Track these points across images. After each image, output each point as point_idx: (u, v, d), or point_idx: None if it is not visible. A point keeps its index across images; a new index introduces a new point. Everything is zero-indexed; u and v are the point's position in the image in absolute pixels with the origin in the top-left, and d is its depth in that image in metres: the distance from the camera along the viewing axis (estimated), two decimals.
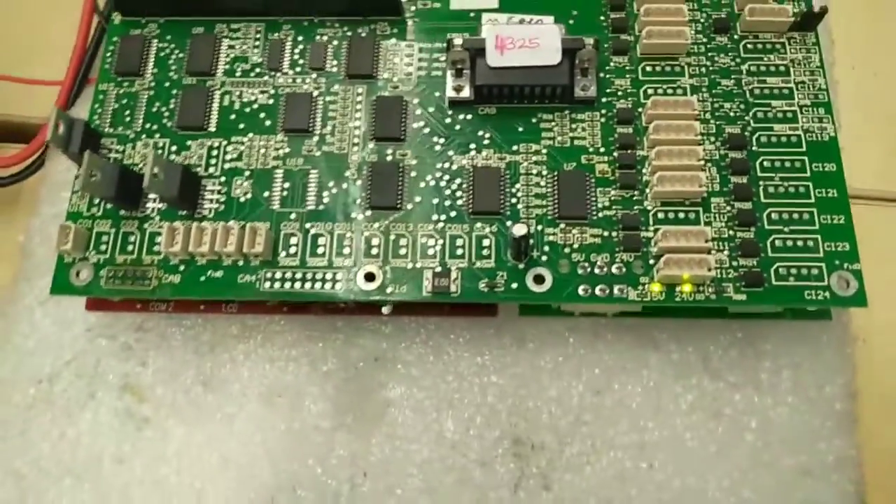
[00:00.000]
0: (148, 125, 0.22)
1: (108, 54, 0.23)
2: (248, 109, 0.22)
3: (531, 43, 0.21)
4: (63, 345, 0.23)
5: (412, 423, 0.21)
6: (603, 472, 0.21)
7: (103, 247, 0.21)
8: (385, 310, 0.20)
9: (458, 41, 0.21)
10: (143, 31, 0.24)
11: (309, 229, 0.21)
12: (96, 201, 0.22)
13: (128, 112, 0.23)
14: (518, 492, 0.21)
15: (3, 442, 0.22)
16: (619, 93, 0.22)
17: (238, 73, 0.23)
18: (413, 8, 0.23)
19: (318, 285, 0.20)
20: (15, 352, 0.23)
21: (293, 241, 0.21)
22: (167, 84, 0.23)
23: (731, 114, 0.22)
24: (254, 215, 0.21)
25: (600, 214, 0.21)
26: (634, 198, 0.21)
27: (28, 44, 0.28)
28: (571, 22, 0.23)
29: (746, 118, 0.22)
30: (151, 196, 0.21)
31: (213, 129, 0.22)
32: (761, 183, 0.21)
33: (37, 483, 0.21)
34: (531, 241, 0.20)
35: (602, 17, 0.23)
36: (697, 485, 0.20)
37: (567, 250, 0.20)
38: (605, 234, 0.21)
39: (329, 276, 0.21)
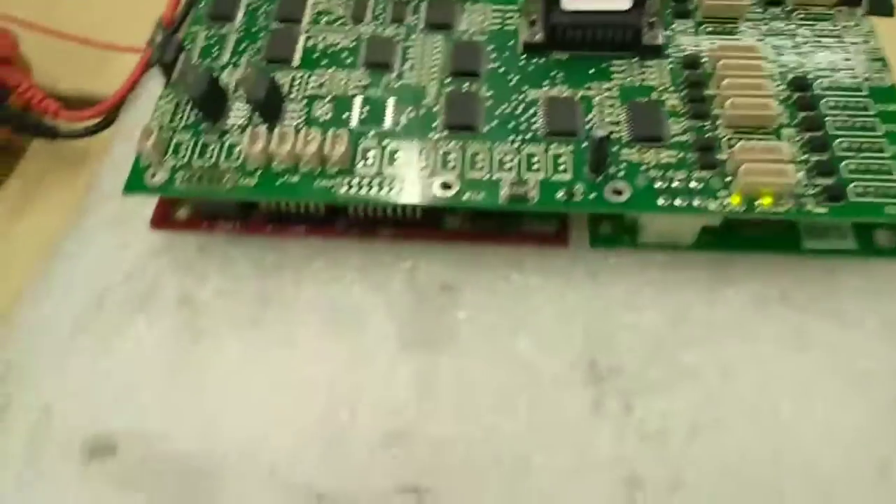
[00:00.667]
0: (235, 59, 0.24)
1: (202, 4, 0.25)
2: (330, 50, 0.24)
3: None
4: (120, 263, 0.22)
5: (483, 345, 0.20)
6: (686, 397, 0.19)
7: (181, 153, 0.21)
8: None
9: None
10: None
11: (386, 145, 0.21)
12: (179, 115, 0.22)
13: (216, 48, 0.24)
14: (598, 413, 0.19)
15: (41, 356, 0.21)
16: (683, 46, 0.23)
17: (323, 22, 0.24)
18: None
19: (394, 192, 0.20)
20: (68, 271, 0.22)
21: (371, 154, 0.21)
22: (255, 28, 0.24)
23: (791, 64, 0.23)
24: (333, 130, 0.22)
25: (674, 139, 0.21)
26: (706, 127, 0.21)
27: (108, 16, 0.30)
28: None
29: (806, 68, 0.23)
30: (235, 110, 0.22)
31: (296, 63, 0.23)
32: (828, 118, 0.21)
33: (73, 396, 0.20)
34: (608, 156, 0.20)
35: None
36: (788, 412, 0.19)
37: (644, 167, 0.21)
38: (681, 155, 0.21)
39: (406, 184, 0.21)
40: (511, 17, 0.24)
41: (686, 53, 0.23)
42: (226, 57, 0.24)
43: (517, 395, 0.19)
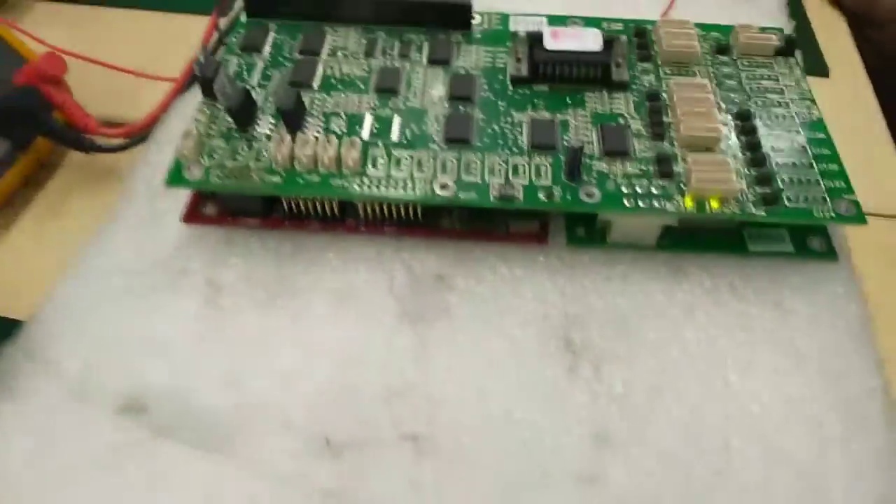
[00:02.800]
0: (264, 83, 0.27)
1: (234, 38, 0.29)
2: (346, 78, 0.28)
3: (578, 35, 0.27)
4: (153, 249, 0.25)
5: (472, 321, 0.23)
6: (647, 366, 0.22)
7: (215, 156, 0.25)
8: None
9: (522, 33, 0.28)
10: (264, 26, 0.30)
11: (392, 153, 0.25)
12: (214, 125, 0.26)
13: (246, 73, 0.28)
14: (572, 377, 0.22)
15: (77, 324, 0.23)
16: (646, 83, 0.28)
17: (339, 55, 0.28)
18: (480, 28, 0.30)
19: (400, 191, 0.24)
20: (104, 254, 0.25)
21: (380, 160, 0.25)
22: (281, 58, 0.28)
23: (736, 100, 0.27)
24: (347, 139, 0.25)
25: (638, 155, 0.25)
26: (664, 146, 0.25)
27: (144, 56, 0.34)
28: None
29: (748, 104, 0.27)
30: (262, 122, 0.26)
31: (316, 86, 0.27)
32: (765, 142, 0.25)
33: (107, 358, 0.22)
34: (582, 163, 0.24)
35: (628, 41, 0.29)
36: (735, 380, 0.22)
37: (612, 176, 0.24)
38: (643, 168, 0.25)
39: (409, 184, 0.24)
40: (501, 56, 0.29)
41: (647, 89, 0.27)
42: (255, 80, 0.27)
43: (502, 361, 0.22)
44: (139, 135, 0.30)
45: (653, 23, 0.30)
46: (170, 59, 0.34)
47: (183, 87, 0.31)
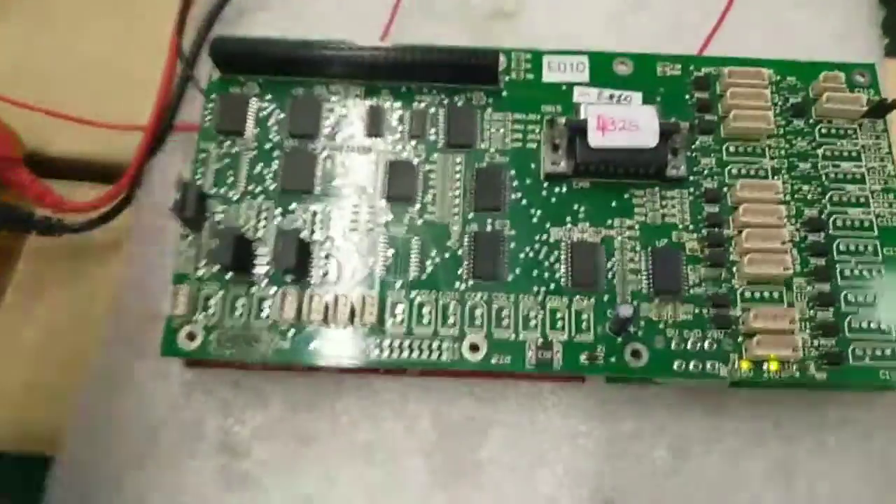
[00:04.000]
0: (252, 185, 0.23)
1: (208, 112, 0.24)
2: (351, 180, 0.23)
3: (630, 125, 0.22)
4: (162, 400, 0.23)
5: (505, 482, 0.22)
6: None
7: (211, 310, 0.22)
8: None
9: (560, 120, 0.23)
10: (242, 89, 0.24)
11: (414, 298, 0.22)
12: (202, 263, 0.22)
13: (230, 172, 0.23)
14: None
15: (104, 496, 0.22)
16: (706, 171, 0.23)
17: (338, 139, 0.24)
18: (507, 78, 0.24)
19: (424, 354, 0.21)
20: (115, 408, 0.23)
21: (399, 308, 0.22)
22: (269, 146, 0.23)
23: (809, 196, 0.23)
24: (360, 282, 0.22)
25: (692, 291, 0.22)
26: (722, 276, 0.22)
27: (106, 82, 0.28)
28: (658, 99, 0.24)
29: (823, 201, 0.23)
30: (259, 261, 0.22)
31: (317, 192, 0.23)
32: (838, 266, 0.22)
33: None
34: (630, 326, 0.21)
35: (687, 96, 0.24)
36: None
37: (661, 326, 0.22)
38: (697, 311, 0.22)
39: (435, 345, 0.21)
40: (532, 132, 0.24)
41: (708, 188, 0.23)
42: (241, 184, 0.23)
43: None
44: (113, 203, 0.26)
45: (719, 62, 0.24)
46: (129, 60, 0.28)
47: (154, 138, 0.26)
